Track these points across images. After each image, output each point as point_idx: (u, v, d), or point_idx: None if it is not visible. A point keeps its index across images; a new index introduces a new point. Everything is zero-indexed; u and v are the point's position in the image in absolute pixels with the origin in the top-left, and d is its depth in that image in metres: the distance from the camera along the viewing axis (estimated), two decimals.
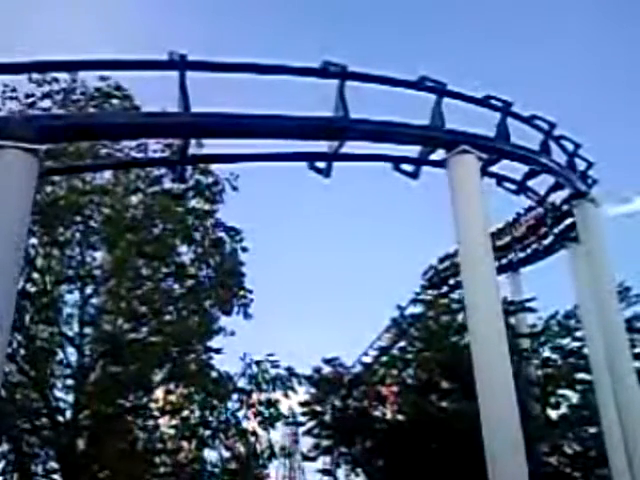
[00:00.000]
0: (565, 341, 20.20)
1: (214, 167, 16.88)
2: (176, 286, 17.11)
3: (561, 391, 19.60)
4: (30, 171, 8.61)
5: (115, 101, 16.82)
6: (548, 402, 19.44)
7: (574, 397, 19.71)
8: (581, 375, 18.75)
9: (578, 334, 19.06)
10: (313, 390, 19.87)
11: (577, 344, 19.52)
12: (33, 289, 15.72)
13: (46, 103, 16.18)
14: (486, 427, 9.33)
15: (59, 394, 15.87)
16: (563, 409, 19.66)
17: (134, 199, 16.95)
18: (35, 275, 15.87)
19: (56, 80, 16.24)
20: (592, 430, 17.89)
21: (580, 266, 14.62)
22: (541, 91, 38.01)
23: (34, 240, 15.37)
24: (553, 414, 19.66)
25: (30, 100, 15.92)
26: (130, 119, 11.35)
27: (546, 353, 20.51)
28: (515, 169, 13.14)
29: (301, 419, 20.18)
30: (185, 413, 16.80)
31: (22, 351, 15.33)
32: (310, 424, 20.17)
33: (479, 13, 42.29)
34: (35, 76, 15.61)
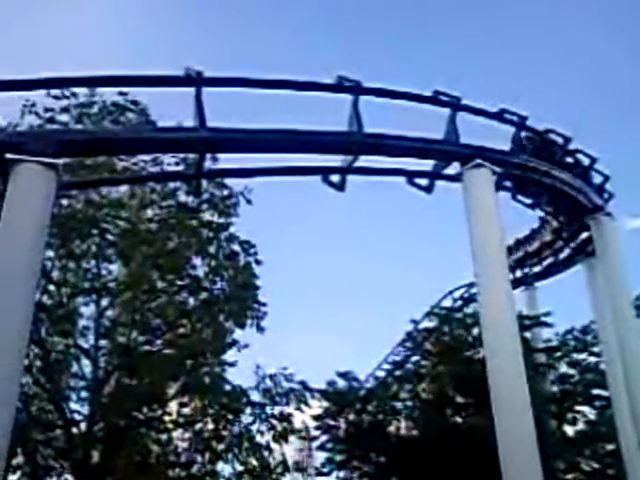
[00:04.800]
0: (582, 356, 19.97)
1: (229, 180, 17.01)
2: (190, 299, 17.16)
3: (578, 407, 19.35)
4: (48, 185, 8.73)
5: (131, 115, 17.03)
6: (565, 418, 19.19)
7: (591, 413, 19.44)
8: (598, 391, 18.50)
9: (595, 349, 18.84)
10: (327, 404, 19.76)
11: (594, 359, 19.29)
12: (49, 301, 15.87)
13: (64, 117, 16.45)
14: (502, 443, 9.24)
15: (74, 406, 15.96)
16: (580, 425, 19.39)
17: (149, 212, 17.09)
18: (51, 287, 16.02)
19: (74, 95, 16.48)
20: (610, 447, 17.62)
21: (597, 280, 14.49)
22: (553, 98, 37.77)
23: (51, 253, 15.52)
24: (570, 430, 19.41)
25: (49, 114, 16.17)
26: (147, 134, 11.48)
27: (562, 368, 20.28)
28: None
29: (315, 433, 20.08)
30: (199, 426, 16.79)
31: (38, 363, 15.44)
32: (324, 438, 20.05)
33: (485, 19, 42.10)
34: (54, 91, 15.86)
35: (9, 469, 13.69)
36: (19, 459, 14.99)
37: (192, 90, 9.95)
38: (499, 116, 12.23)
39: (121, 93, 16.53)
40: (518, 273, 20.32)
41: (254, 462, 16.64)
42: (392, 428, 19.64)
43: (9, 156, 8.60)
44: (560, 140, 13.11)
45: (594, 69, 42.47)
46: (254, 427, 16.78)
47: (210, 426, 16.66)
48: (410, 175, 11.71)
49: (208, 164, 12.18)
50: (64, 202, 15.39)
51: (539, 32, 42.07)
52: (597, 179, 13.94)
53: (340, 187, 11.18)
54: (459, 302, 23.07)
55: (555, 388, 19.91)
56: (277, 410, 17.09)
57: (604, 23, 41.93)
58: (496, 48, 45.80)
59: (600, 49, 41.43)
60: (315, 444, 20.60)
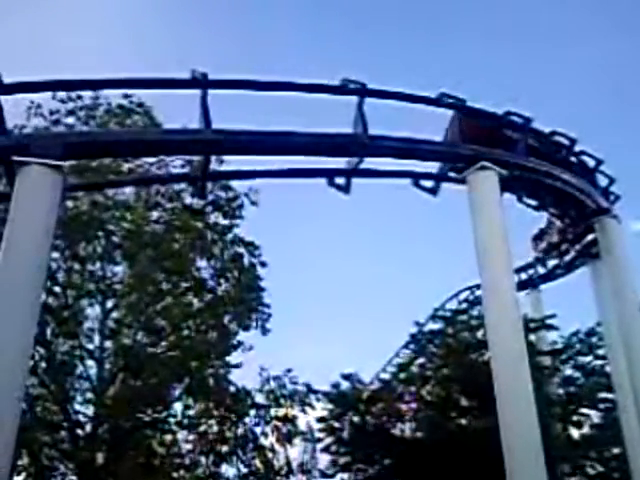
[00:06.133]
0: (587, 359, 19.90)
1: (234, 182, 17.06)
2: (195, 301, 17.22)
3: (583, 410, 19.27)
4: (54, 187, 8.74)
5: (137, 117, 17.12)
6: (570, 421, 19.11)
7: (597, 416, 19.36)
8: (604, 394, 18.42)
9: (600, 352, 18.77)
10: (331, 406, 19.73)
11: (600, 362, 19.21)
12: (55, 303, 15.93)
13: (70, 120, 16.54)
14: (506, 446, 9.21)
15: (79, 407, 16.04)
16: (585, 429, 19.31)
17: (154, 214, 17.16)
18: (57, 289, 16.09)
19: (80, 97, 16.58)
20: (616, 450, 17.54)
21: (602, 283, 14.42)
22: (557, 99, 37.59)
23: (56, 254, 15.59)
24: (575, 434, 19.31)
25: (55, 117, 16.26)
26: (152, 136, 11.52)
27: (568, 371, 20.20)
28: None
29: (319, 435, 20.06)
30: (203, 428, 16.83)
31: (43, 364, 15.50)
32: (328, 440, 20.01)
33: (485, 19, 41.65)
34: (59, 94, 15.94)
35: (14, 470, 13.74)
36: (24, 460, 15.05)
37: (198, 92, 9.97)
38: (504, 118, 12.21)
39: (125, 95, 16.63)
40: (523, 275, 20.28)
41: (258, 464, 16.68)
42: (396, 430, 19.60)
43: (15, 158, 8.64)
44: (565, 142, 13.08)
45: (599, 69, 42.34)
46: (258, 429, 16.86)
47: (214, 428, 16.70)
48: (415, 177, 11.70)
49: (213, 166, 12.21)
50: (70, 204, 15.46)
51: (540, 33, 41.93)
52: (603, 181, 13.91)
53: (345, 189, 11.17)
54: (464, 304, 23.01)
55: (560, 391, 19.83)
56: (281, 412, 17.12)
57: (607, 23, 41.81)
58: (496, 49, 45.66)
59: (604, 49, 41.29)
60: (319, 446, 20.56)
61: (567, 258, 17.37)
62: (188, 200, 16.93)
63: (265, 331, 17.37)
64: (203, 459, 16.71)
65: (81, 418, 15.80)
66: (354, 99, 10.89)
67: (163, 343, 16.82)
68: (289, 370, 17.46)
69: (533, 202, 13.46)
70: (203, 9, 44.39)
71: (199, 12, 45.01)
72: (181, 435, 16.99)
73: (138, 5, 42.09)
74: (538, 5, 39.70)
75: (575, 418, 19.11)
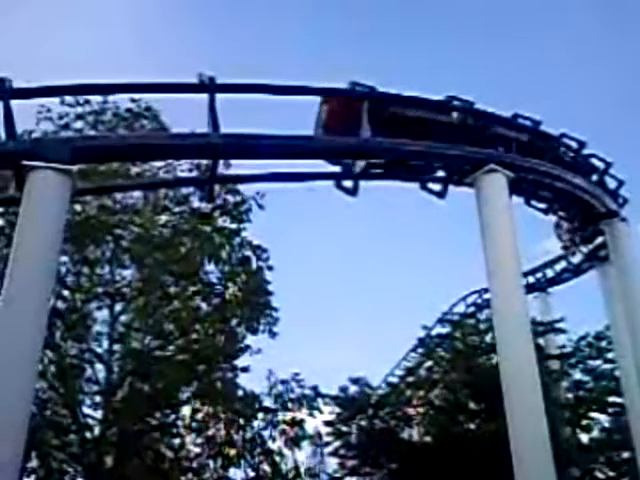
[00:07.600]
0: (596, 363, 19.82)
1: (241, 186, 17.07)
2: (203, 304, 17.23)
3: (592, 414, 19.19)
4: (63, 191, 8.81)
5: (145, 121, 17.19)
6: (579, 425, 19.03)
7: (606, 421, 19.28)
8: (613, 398, 18.34)
9: (610, 356, 18.68)
10: (339, 410, 19.73)
11: (609, 366, 19.12)
12: (64, 306, 15.98)
13: (78, 124, 16.64)
14: (515, 450, 9.18)
15: (87, 411, 16.05)
16: (595, 433, 19.22)
17: (162, 218, 17.19)
18: (65, 292, 16.14)
19: (88, 102, 16.67)
20: (625, 455, 17.44)
21: (611, 286, 14.35)
22: (563, 101, 37.42)
23: (65, 258, 15.64)
24: (584, 438, 19.24)
25: (63, 121, 16.36)
26: (160, 140, 11.56)
27: (577, 375, 20.14)
28: None
29: (327, 439, 20.04)
30: (211, 431, 16.82)
31: (52, 368, 15.54)
32: (336, 444, 20.00)
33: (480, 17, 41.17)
34: (68, 98, 16.04)
35: (24, 472, 13.78)
36: (33, 463, 15.08)
37: (205, 97, 10.01)
38: (512, 121, 12.19)
39: (133, 100, 16.71)
40: (531, 278, 20.22)
41: (266, 468, 16.65)
42: (404, 434, 19.57)
43: (25, 162, 8.70)
44: (574, 144, 13.05)
45: (608, 72, 42.15)
46: (266, 433, 16.81)
47: (222, 431, 16.69)
48: (423, 180, 11.71)
49: (221, 169, 12.23)
50: (78, 208, 15.53)
51: (548, 35, 41.82)
52: (611, 184, 13.85)
53: (352, 192, 11.18)
54: (472, 308, 22.97)
55: (569, 395, 19.75)
56: (289, 416, 17.10)
57: (615, 24, 41.64)
58: (502, 52, 45.57)
59: (614, 51, 41.17)
60: (327, 450, 20.55)
61: (576, 261, 17.30)
62: (196, 204, 16.99)
63: (273, 334, 17.35)
64: (211, 463, 16.69)
65: (90, 421, 15.81)
66: None
67: (171, 347, 16.83)
68: (297, 374, 17.44)
69: (541, 205, 13.42)
70: (207, 11, 44.61)
71: (203, 14, 45.20)
72: (189, 438, 16.99)
73: (142, 6, 42.36)
74: (544, 7, 39.69)
75: (584, 422, 19.04)
